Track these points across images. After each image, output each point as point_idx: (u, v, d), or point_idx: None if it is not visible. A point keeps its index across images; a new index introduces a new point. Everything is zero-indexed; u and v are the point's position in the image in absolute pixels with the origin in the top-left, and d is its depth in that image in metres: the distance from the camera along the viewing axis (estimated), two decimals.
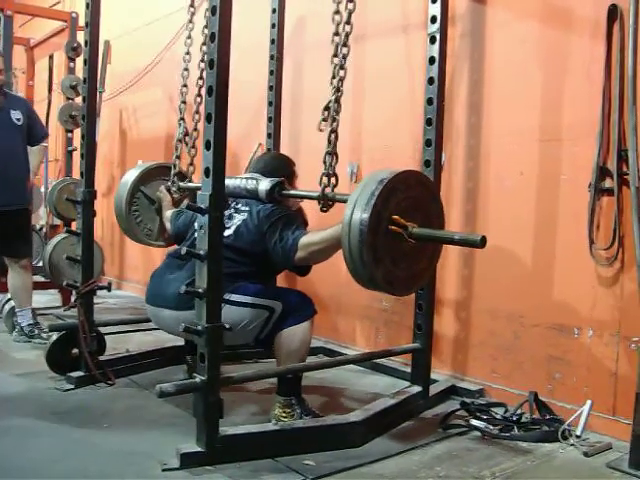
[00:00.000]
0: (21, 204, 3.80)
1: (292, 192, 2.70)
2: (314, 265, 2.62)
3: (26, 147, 3.87)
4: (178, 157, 3.18)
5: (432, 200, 2.28)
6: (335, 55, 2.37)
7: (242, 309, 2.50)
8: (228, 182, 2.72)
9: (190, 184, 3.15)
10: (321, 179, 2.38)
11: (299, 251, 2.43)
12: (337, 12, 2.38)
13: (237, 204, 2.71)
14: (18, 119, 3.77)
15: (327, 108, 2.37)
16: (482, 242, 2.01)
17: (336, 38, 2.38)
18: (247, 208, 2.66)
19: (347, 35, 2.37)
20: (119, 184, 3.34)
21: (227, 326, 2.17)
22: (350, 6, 2.37)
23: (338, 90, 2.37)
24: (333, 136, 2.36)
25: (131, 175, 3.28)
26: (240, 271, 2.56)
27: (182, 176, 3.22)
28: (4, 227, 3.69)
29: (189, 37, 3.17)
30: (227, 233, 2.58)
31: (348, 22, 2.37)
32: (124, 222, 3.27)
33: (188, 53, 3.18)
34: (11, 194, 3.70)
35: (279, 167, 2.84)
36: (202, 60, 3.01)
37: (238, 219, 2.65)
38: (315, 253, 2.43)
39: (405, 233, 2.09)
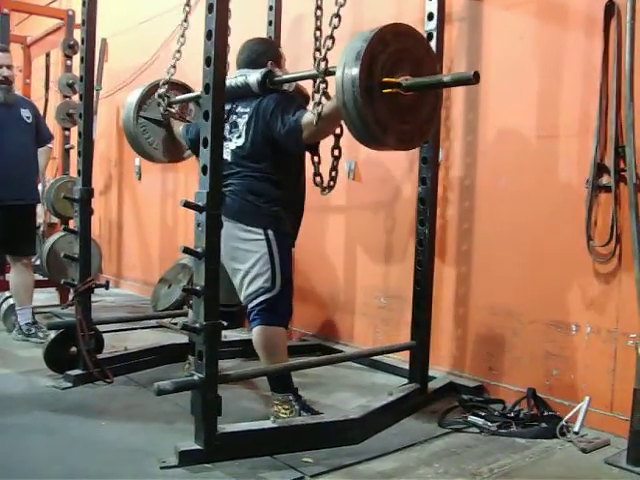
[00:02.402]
0: (30, 200, 3.91)
1: (284, 77, 2.62)
2: (325, 138, 2.57)
3: (36, 146, 3.98)
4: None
5: (417, 45, 2.20)
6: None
7: (263, 255, 2.50)
8: None
9: (183, 95, 3.11)
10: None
11: (304, 131, 2.40)
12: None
13: (236, 107, 2.64)
14: (28, 117, 3.91)
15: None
16: (475, 77, 1.94)
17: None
18: (247, 109, 2.60)
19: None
20: (125, 106, 3.25)
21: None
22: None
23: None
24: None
25: (132, 98, 3.20)
26: (273, 179, 2.56)
27: (176, 87, 3.17)
28: (11, 223, 3.72)
29: (182, 35, 3.05)
30: (240, 142, 2.58)
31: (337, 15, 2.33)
32: (136, 145, 3.22)
33: (179, 51, 3.06)
34: (22, 189, 3.80)
35: (264, 51, 2.72)
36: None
37: (243, 123, 2.60)
38: (321, 128, 2.39)
39: (400, 90, 2.06)
